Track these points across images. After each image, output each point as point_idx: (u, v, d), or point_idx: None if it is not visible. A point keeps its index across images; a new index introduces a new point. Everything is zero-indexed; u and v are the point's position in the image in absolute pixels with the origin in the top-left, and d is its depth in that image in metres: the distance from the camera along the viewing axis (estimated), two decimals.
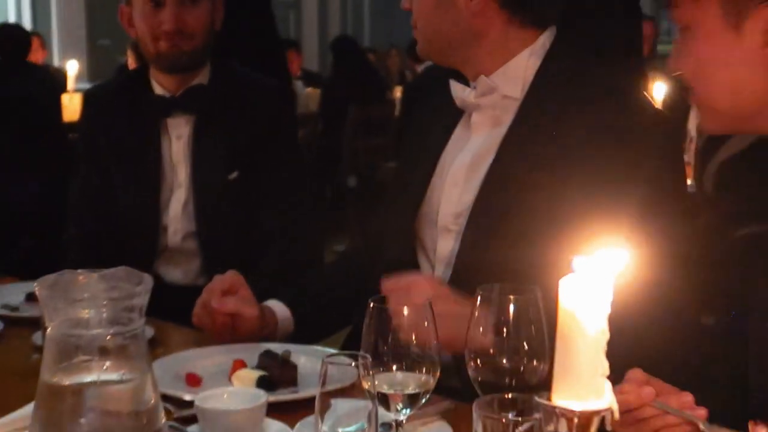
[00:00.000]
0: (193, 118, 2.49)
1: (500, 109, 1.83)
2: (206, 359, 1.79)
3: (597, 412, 0.81)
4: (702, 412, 1.30)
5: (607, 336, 0.83)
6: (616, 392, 1.27)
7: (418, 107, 2.11)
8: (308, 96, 7.51)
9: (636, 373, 1.31)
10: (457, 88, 1.88)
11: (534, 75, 1.80)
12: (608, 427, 0.86)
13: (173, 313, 2.09)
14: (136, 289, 1.23)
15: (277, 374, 1.65)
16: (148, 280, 1.25)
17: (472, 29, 1.79)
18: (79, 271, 1.25)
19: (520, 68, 1.81)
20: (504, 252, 1.72)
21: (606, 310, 0.82)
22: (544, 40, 1.83)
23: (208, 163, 2.47)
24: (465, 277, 1.74)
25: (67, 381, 1.20)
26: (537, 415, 0.92)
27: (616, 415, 0.84)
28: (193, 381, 1.70)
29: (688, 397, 1.31)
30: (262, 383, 1.62)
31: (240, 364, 1.70)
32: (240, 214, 2.46)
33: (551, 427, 0.83)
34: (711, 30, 1.40)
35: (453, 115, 1.95)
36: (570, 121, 1.73)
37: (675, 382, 1.40)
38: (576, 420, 0.81)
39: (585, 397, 0.82)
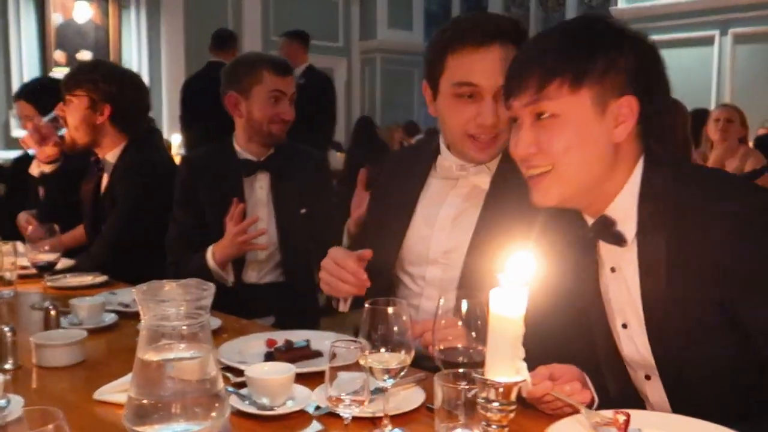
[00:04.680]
0: (269, 174, 2.54)
1: (481, 178, 1.81)
2: (257, 340, 1.77)
3: (515, 384, 0.80)
4: (585, 397, 1.28)
5: (523, 330, 0.82)
6: (531, 382, 1.27)
7: (388, 175, 2.02)
8: (337, 157, 7.53)
9: (540, 369, 1.28)
10: (451, 165, 1.82)
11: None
12: (524, 394, 0.85)
13: (250, 304, 2.24)
14: (204, 294, 1.23)
15: (278, 353, 1.65)
16: (211, 287, 1.25)
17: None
18: (164, 281, 1.25)
19: None
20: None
21: (522, 312, 0.81)
22: None
23: (285, 203, 2.53)
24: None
25: (155, 357, 1.19)
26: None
27: (530, 386, 0.83)
28: (271, 343, 1.72)
29: (576, 386, 1.28)
30: (267, 357, 1.65)
31: (272, 342, 1.71)
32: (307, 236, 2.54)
33: (484, 394, 0.81)
34: (582, 116, 1.29)
35: (418, 182, 1.89)
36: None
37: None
38: (501, 389, 0.80)
39: (507, 373, 0.81)
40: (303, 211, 2.55)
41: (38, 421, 0.77)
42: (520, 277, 0.81)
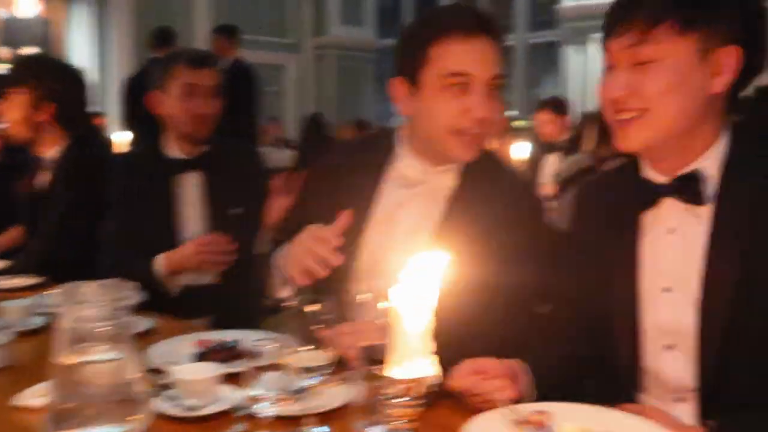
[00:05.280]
0: (201, 173, 2.49)
1: (445, 181, 1.74)
2: (188, 341, 1.74)
3: (419, 379, 0.81)
4: (511, 393, 1.30)
5: (430, 325, 0.82)
6: (455, 377, 1.29)
7: (332, 175, 1.85)
8: (286, 155, 7.48)
9: (466, 364, 1.30)
10: (410, 169, 1.74)
11: None
12: (436, 388, 0.85)
13: (185, 306, 2.21)
14: (125, 294, 1.21)
15: (209, 354, 1.61)
16: (134, 288, 1.23)
17: None
18: (82, 282, 1.23)
19: None
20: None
21: (428, 307, 0.81)
22: None
23: (218, 203, 2.47)
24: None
25: (73, 360, 1.17)
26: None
27: (439, 380, 0.83)
28: (202, 344, 1.67)
29: (502, 382, 1.30)
30: (198, 357, 1.61)
31: (203, 343, 1.68)
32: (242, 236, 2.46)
33: (390, 390, 0.82)
34: (685, 62, 1.26)
35: (371, 187, 1.76)
36: (494, 189, 1.71)
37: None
38: (404, 385, 0.80)
39: (413, 369, 0.81)
40: (237, 210, 2.49)
41: None
42: (428, 272, 0.81)
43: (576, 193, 1.67)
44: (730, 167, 1.32)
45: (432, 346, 0.83)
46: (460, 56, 1.61)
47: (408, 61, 1.67)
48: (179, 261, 2.32)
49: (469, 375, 1.31)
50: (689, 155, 1.34)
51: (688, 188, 1.33)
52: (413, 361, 0.81)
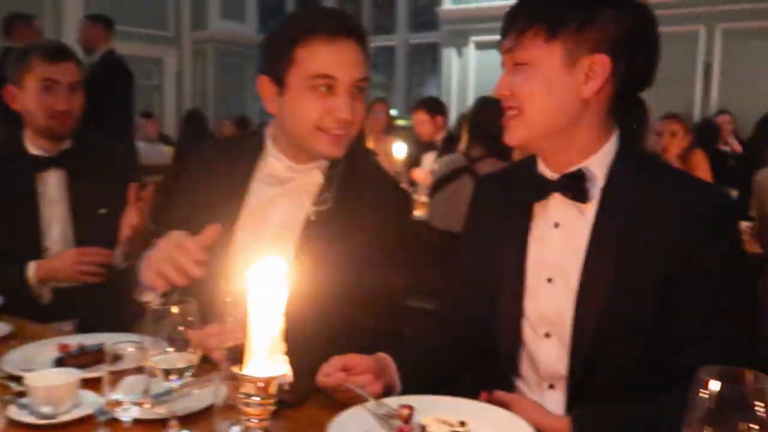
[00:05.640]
0: (64, 171, 2.38)
1: (311, 178, 1.75)
2: (49, 346, 1.68)
3: (272, 378, 0.82)
4: (376, 388, 1.35)
5: (282, 325, 0.84)
6: (322, 374, 1.32)
7: (200, 175, 1.86)
8: (164, 151, 7.27)
9: (335, 360, 1.35)
10: (278, 166, 1.75)
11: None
12: (287, 386, 0.87)
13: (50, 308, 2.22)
14: None
15: (67, 358, 1.58)
16: None
17: None
18: None
19: None
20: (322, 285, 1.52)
21: (279, 308, 0.83)
22: None
23: (83, 202, 2.38)
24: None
25: None
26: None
27: (290, 379, 0.85)
28: (64, 349, 1.63)
29: (367, 377, 1.35)
30: (56, 363, 1.56)
31: (64, 348, 1.63)
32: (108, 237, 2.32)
33: (244, 389, 0.83)
34: (551, 67, 1.35)
35: (239, 186, 1.76)
36: (360, 186, 1.75)
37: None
38: (256, 384, 0.82)
39: (266, 368, 0.83)
40: (103, 210, 2.39)
41: None
42: (278, 273, 0.83)
43: (475, 184, 1.74)
44: (615, 169, 1.41)
45: (285, 345, 0.85)
46: (325, 59, 1.64)
47: (274, 61, 1.68)
48: (54, 270, 2.24)
49: (336, 371, 1.34)
50: (574, 154, 1.42)
51: (573, 185, 1.41)
52: (266, 361, 0.82)
